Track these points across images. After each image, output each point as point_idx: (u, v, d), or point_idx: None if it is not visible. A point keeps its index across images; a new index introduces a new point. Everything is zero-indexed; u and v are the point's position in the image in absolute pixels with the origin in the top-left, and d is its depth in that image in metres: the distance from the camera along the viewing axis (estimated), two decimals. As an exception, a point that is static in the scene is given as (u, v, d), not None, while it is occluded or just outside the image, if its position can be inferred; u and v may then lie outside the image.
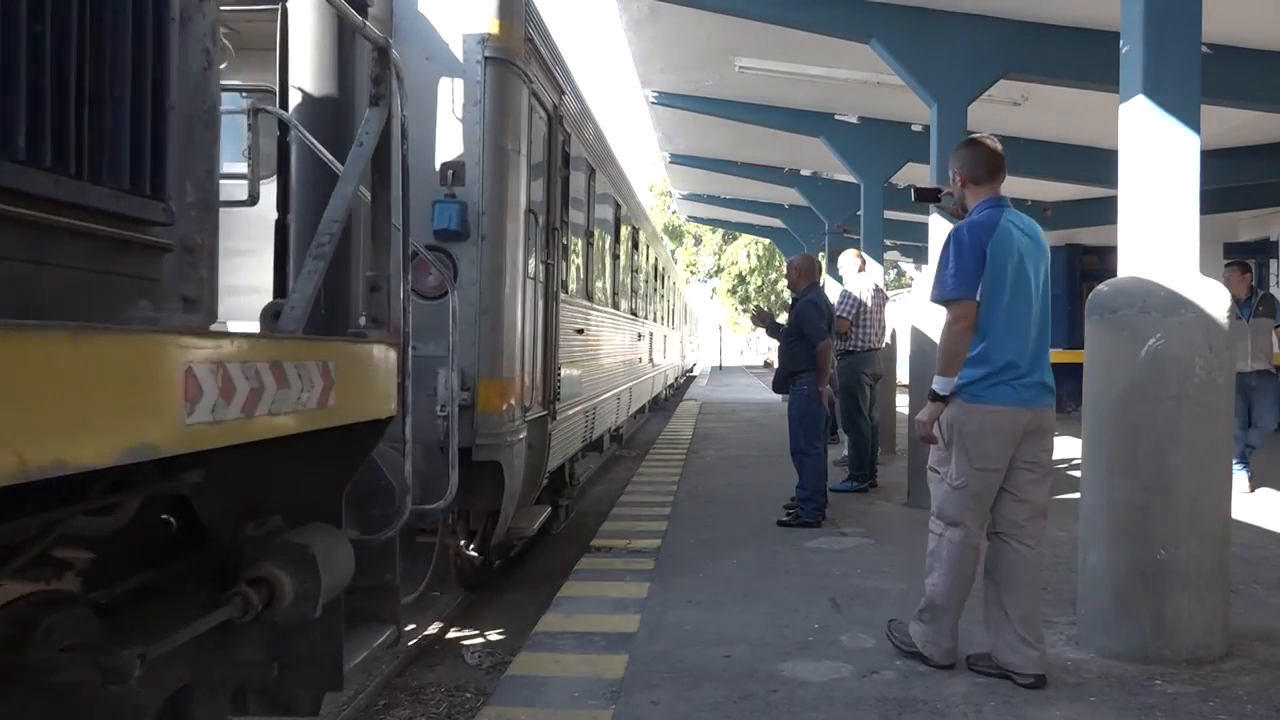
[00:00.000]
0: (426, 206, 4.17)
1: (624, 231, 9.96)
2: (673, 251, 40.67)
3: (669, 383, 19.10)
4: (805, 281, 6.57)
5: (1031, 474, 3.44)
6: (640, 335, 11.23)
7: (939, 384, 3.41)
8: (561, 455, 6.08)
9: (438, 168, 4.19)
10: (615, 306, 8.91)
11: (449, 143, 4.31)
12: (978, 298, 3.29)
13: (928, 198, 4.03)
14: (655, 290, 14.34)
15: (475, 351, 4.31)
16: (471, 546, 4.88)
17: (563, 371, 5.74)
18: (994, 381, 3.31)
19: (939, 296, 3.41)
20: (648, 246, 12.83)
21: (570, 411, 6.21)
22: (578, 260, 6.80)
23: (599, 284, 8.04)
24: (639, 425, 15.55)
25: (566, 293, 5.99)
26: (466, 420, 4.21)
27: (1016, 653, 3.31)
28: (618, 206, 9.30)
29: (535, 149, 5.08)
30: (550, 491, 6.21)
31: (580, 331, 6.56)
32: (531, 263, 4.93)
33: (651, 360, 12.88)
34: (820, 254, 11.68)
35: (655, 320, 14.00)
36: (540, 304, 5.21)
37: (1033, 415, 3.37)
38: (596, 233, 7.80)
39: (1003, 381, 3.31)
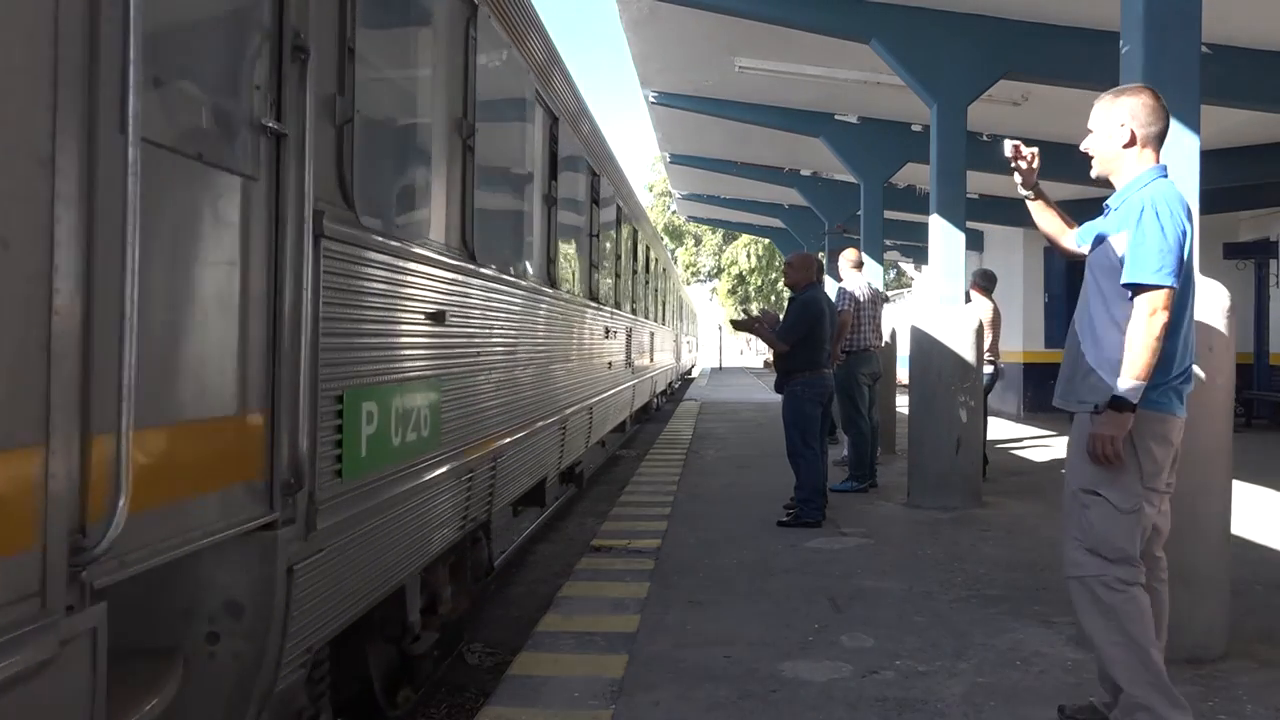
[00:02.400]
0: None
1: (575, 181, 6.74)
2: (673, 252, 40.69)
3: (659, 389, 16.33)
4: (805, 280, 6.53)
5: (1167, 499, 2.94)
6: (611, 332, 8.36)
7: (1130, 390, 2.71)
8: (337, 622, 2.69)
9: None
10: (551, 284, 5.66)
11: None
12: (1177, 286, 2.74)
13: (1014, 156, 3.07)
14: (637, 275, 11.28)
15: None
16: None
17: (367, 408, 2.78)
18: (1169, 388, 2.80)
19: (1138, 278, 2.71)
20: (626, 217, 10.06)
21: (396, 498, 3.04)
22: (425, 172, 3.55)
23: (504, 241, 4.61)
24: (625, 439, 13.51)
25: (379, 227, 2.93)
26: None
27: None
28: (551, 116, 5.68)
29: None
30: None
31: (436, 317, 3.36)
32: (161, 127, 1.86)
33: (630, 364, 10.04)
34: (820, 254, 11.66)
35: (638, 314, 11.20)
36: (238, 245, 2.18)
37: (1184, 425, 2.90)
38: (494, 144, 4.30)
39: (1174, 388, 2.82)
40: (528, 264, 5.10)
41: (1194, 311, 2.95)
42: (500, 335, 4.35)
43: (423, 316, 3.26)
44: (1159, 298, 2.69)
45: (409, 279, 3.12)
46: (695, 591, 4.58)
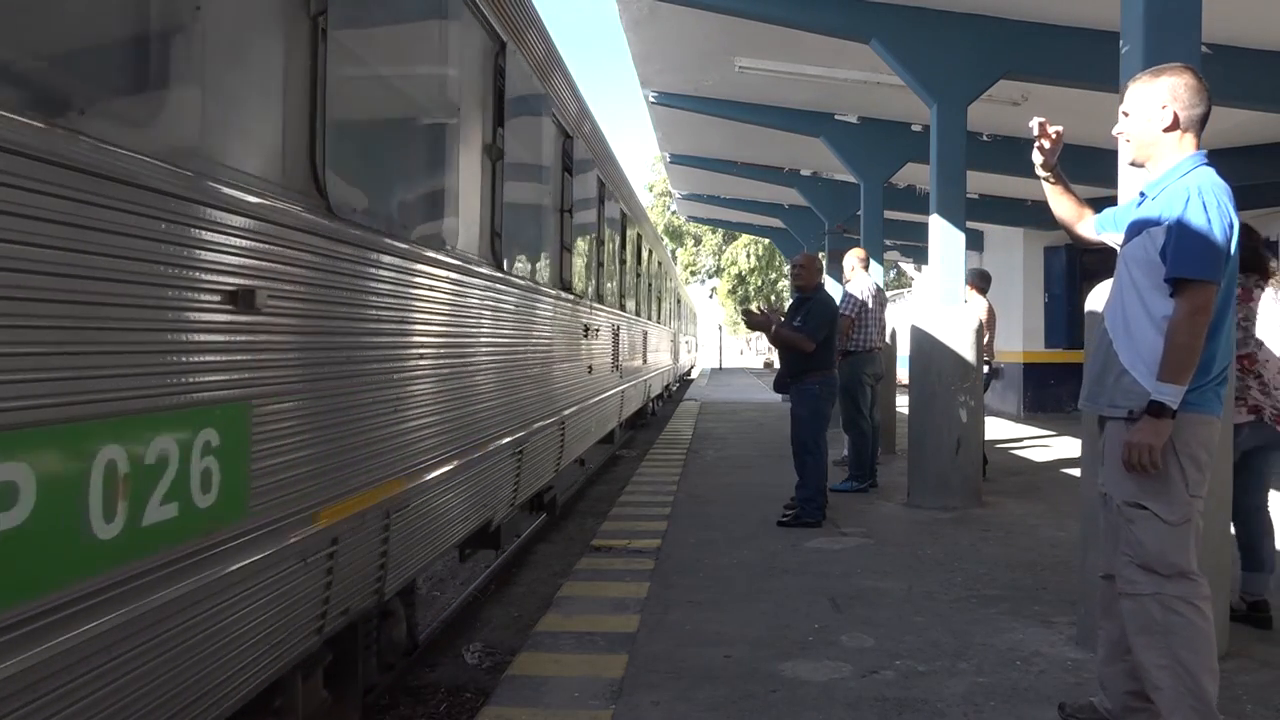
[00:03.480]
0: None
1: (533, 124, 5.23)
2: (673, 252, 40.70)
3: (655, 393, 14.69)
4: (816, 280, 6.60)
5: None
6: (592, 330, 7.03)
7: (1170, 394, 2.52)
8: None
9: None
10: (496, 265, 4.29)
11: None
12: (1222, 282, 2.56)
13: (1040, 135, 2.93)
14: (626, 264, 9.82)
15: None
16: None
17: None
18: (1208, 389, 2.62)
19: (1183, 272, 2.53)
20: (610, 193, 8.44)
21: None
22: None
23: (384, 183, 3.27)
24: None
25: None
26: None
27: (1138, 715, 2.71)
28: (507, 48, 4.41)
29: None
30: None
31: (237, 300, 2.10)
32: None
33: (618, 366, 8.68)
34: (820, 254, 11.67)
35: (627, 310, 9.74)
36: None
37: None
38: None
39: (1212, 387, 2.63)
40: (449, 231, 3.67)
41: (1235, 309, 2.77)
42: (390, 330, 2.99)
43: (210, 299, 1.99)
44: (1204, 293, 2.50)
45: (145, 225, 1.77)
46: (695, 591, 4.58)
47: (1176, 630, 2.53)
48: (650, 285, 13.14)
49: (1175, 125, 2.69)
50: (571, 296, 6.25)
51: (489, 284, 4.17)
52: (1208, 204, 2.55)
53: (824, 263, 8.67)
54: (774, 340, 6.53)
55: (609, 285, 8.46)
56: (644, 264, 12.15)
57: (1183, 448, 2.58)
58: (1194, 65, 2.77)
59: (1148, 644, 2.58)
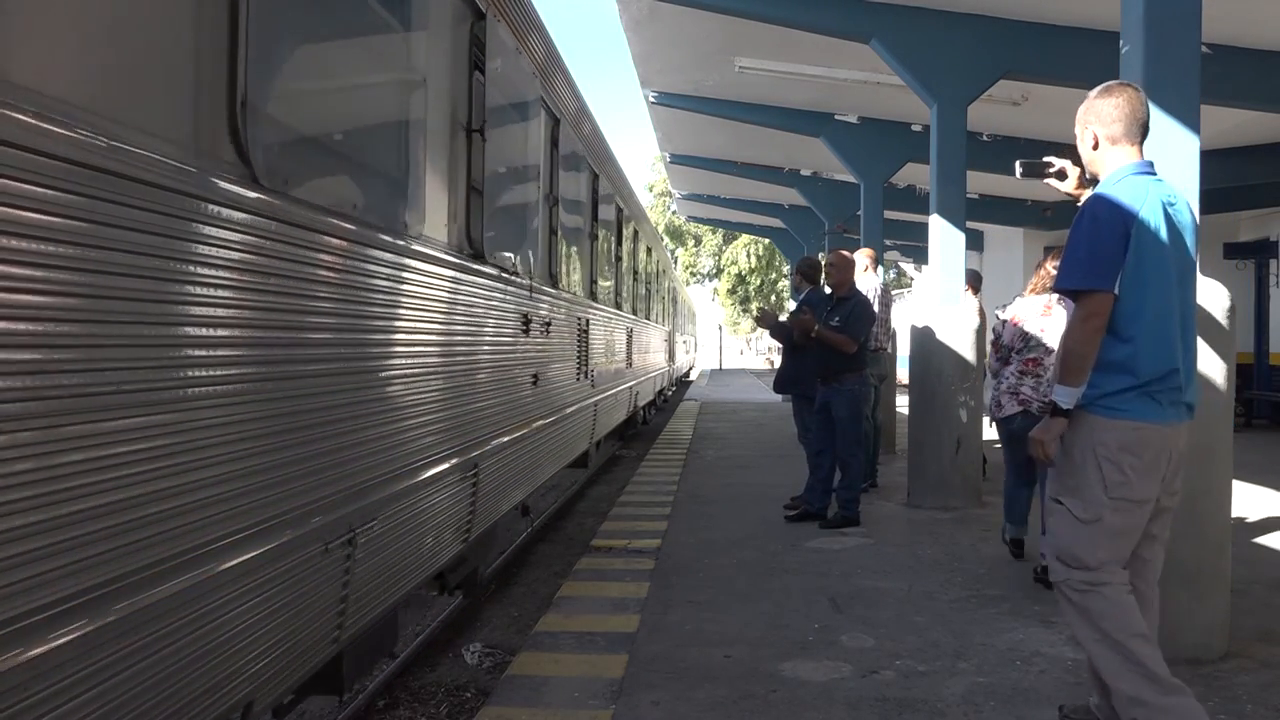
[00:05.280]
0: None
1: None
2: (673, 252, 40.71)
3: (645, 401, 12.91)
4: (850, 278, 6.46)
5: (1168, 510, 2.83)
6: (537, 324, 5.00)
7: (1061, 395, 2.71)
8: None
9: None
10: (391, 230, 2.99)
11: None
12: (1117, 290, 2.66)
13: (1035, 173, 3.16)
14: (599, 243, 7.76)
15: None
16: None
17: None
18: (1137, 393, 2.67)
19: (1066, 284, 2.73)
20: (581, 158, 6.85)
21: None
22: None
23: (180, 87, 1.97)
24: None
25: None
26: None
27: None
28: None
29: None
30: None
31: None
32: None
33: (588, 374, 6.88)
34: (820, 254, 11.67)
35: (602, 301, 7.88)
36: None
37: (1174, 434, 2.73)
38: None
39: (1145, 393, 2.67)
40: (343, 185, 2.78)
41: (1185, 311, 2.78)
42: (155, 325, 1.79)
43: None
44: (1092, 301, 2.65)
45: None
46: (695, 591, 4.58)
47: (1093, 607, 2.69)
48: (638, 274, 11.42)
49: (1098, 143, 2.86)
50: (494, 271, 4.12)
51: (378, 253, 2.84)
52: (1097, 215, 2.70)
53: (823, 263, 8.55)
54: (806, 340, 6.34)
55: (572, 264, 6.47)
56: (627, 249, 10.09)
57: (1100, 449, 2.68)
58: (1132, 83, 2.92)
59: (1076, 624, 2.75)
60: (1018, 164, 3.21)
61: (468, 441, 3.81)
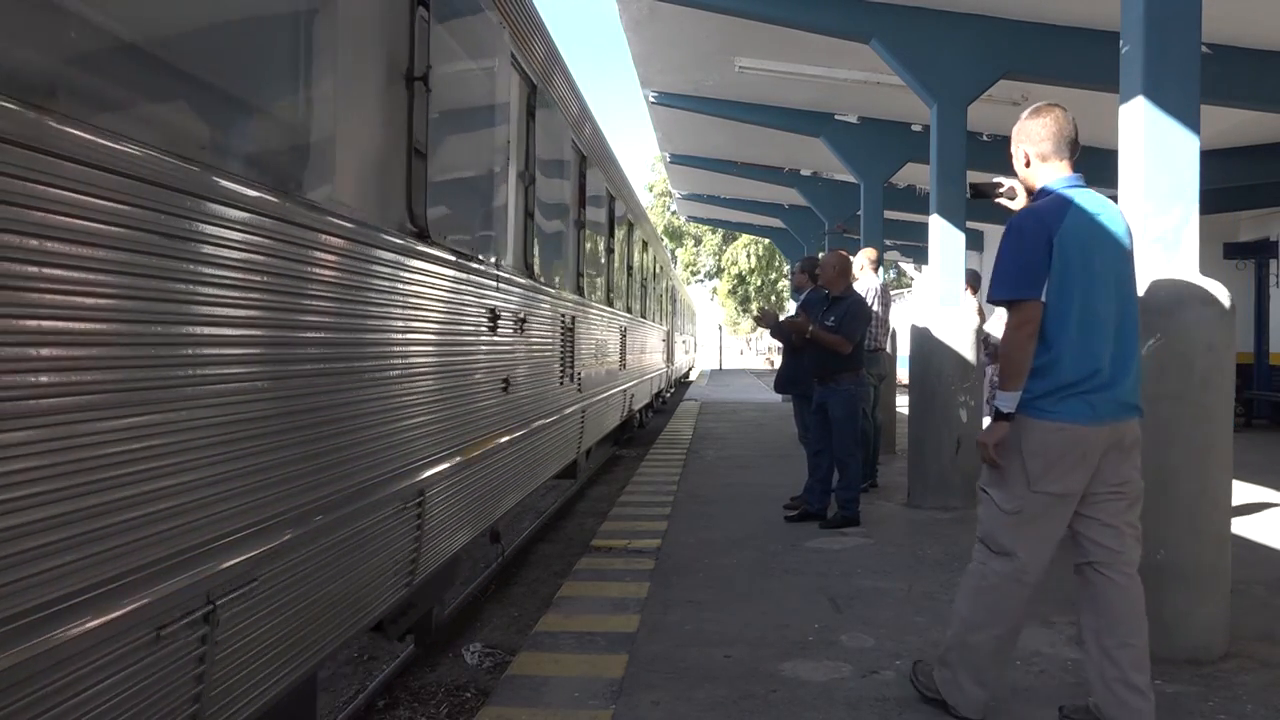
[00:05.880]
0: None
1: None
2: (673, 252, 40.71)
3: (640, 404, 12.21)
4: (848, 280, 6.46)
5: (1122, 499, 2.88)
6: (505, 318, 4.36)
7: (1002, 400, 2.87)
8: None
9: None
10: (306, 199, 2.38)
11: None
12: (1044, 298, 2.79)
13: (985, 194, 3.30)
14: (586, 232, 7.03)
15: None
16: None
17: None
18: (1064, 395, 2.80)
19: (997, 296, 2.90)
20: (562, 126, 6.05)
21: None
22: None
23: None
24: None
25: None
26: None
27: (1124, 705, 2.78)
28: None
29: None
30: None
31: None
32: None
33: (574, 377, 6.36)
34: (821, 253, 11.62)
35: (590, 296, 7.25)
36: None
37: (1111, 432, 2.82)
38: None
39: (1074, 394, 2.79)
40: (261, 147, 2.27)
41: (1124, 312, 2.86)
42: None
43: None
44: (1021, 310, 2.81)
45: None
46: (695, 591, 4.58)
47: (985, 592, 2.95)
48: (633, 270, 10.66)
49: (1029, 161, 3.01)
50: (445, 255, 3.45)
51: (294, 229, 2.28)
52: (1021, 229, 2.86)
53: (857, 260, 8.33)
54: (803, 341, 6.34)
55: (554, 255, 5.89)
56: (620, 239, 9.39)
57: (1025, 447, 2.85)
58: (1057, 105, 3.03)
59: (963, 594, 3.02)
60: (968, 185, 3.33)
61: (409, 464, 3.10)
